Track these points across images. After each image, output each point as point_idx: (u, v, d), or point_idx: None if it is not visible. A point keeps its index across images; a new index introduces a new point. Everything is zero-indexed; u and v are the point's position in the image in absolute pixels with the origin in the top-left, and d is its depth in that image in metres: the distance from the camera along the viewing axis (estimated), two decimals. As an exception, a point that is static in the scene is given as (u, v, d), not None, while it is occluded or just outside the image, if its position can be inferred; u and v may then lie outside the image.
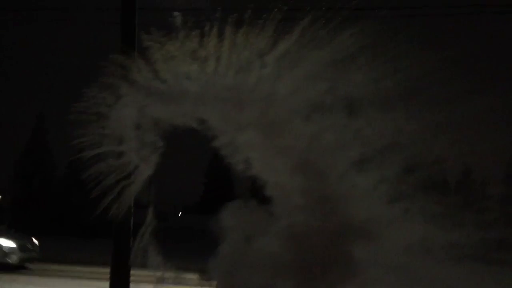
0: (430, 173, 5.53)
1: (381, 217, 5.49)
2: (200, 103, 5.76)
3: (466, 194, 6.18)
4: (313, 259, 5.48)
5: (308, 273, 5.48)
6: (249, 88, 5.65)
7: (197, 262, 7.24)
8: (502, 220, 5.33)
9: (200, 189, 42.80)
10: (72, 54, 58.39)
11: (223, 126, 5.83)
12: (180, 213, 42.97)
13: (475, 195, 6.16)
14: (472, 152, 5.52)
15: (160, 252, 6.09)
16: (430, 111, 5.39)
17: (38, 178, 34.66)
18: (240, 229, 5.81)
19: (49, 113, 44.26)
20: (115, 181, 6.00)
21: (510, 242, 5.17)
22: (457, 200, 5.48)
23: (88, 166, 5.88)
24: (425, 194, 5.33)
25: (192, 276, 7.13)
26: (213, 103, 5.72)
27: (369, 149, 5.50)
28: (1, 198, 23.48)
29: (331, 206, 5.50)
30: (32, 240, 15.50)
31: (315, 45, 5.52)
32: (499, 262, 5.24)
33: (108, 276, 8.43)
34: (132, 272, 8.28)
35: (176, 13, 5.79)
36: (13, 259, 14.49)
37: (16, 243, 14.73)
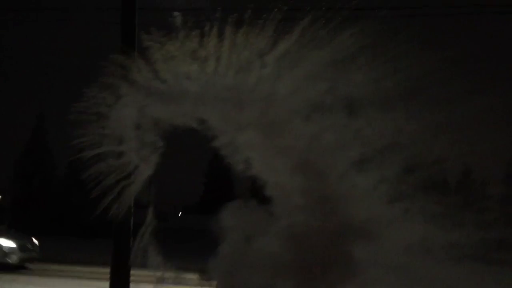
0: (430, 173, 5.53)
1: (381, 217, 5.49)
2: (200, 103, 5.76)
3: (466, 194, 6.17)
4: (313, 259, 5.48)
5: (308, 273, 5.48)
6: (249, 88, 5.64)
7: (197, 262, 7.24)
8: (502, 220, 5.33)
9: (200, 189, 42.90)
10: (72, 54, 58.44)
11: (223, 126, 5.83)
12: (180, 213, 43.02)
13: (475, 195, 6.16)
14: (472, 152, 5.51)
15: (160, 252, 6.09)
16: (430, 111, 5.39)
17: (38, 178, 34.66)
18: (240, 229, 5.81)
19: (49, 113, 44.38)
20: (115, 181, 6.00)
21: (510, 242, 5.17)
22: (457, 200, 5.47)
23: (88, 166, 5.88)
24: (425, 194, 5.32)
25: (192, 276, 7.13)
26: (213, 103, 5.72)
27: (369, 149, 5.50)
28: (1, 198, 23.47)
29: (331, 206, 5.50)
30: (32, 240, 15.51)
31: (315, 45, 5.52)
32: (499, 262, 5.24)
33: (108, 276, 8.44)
34: (132, 272, 8.28)
35: (176, 13, 5.79)
36: (13, 259, 14.50)
37: (16, 243, 14.74)
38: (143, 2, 9.25)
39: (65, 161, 33.34)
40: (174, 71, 5.79)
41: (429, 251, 5.37)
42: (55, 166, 35.88)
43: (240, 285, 5.68)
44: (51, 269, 14.81)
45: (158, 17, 9.05)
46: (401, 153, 5.45)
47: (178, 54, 5.74)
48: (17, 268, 14.43)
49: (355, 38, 5.37)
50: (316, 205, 5.54)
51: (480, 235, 5.11)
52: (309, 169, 5.57)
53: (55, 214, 31.49)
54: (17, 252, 14.62)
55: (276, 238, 5.64)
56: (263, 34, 5.58)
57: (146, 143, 5.95)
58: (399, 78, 5.31)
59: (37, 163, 34.43)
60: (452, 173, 6.38)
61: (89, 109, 5.86)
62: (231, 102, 5.67)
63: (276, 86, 5.62)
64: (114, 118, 5.86)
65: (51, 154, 35.55)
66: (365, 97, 5.46)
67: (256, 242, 5.72)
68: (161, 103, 5.82)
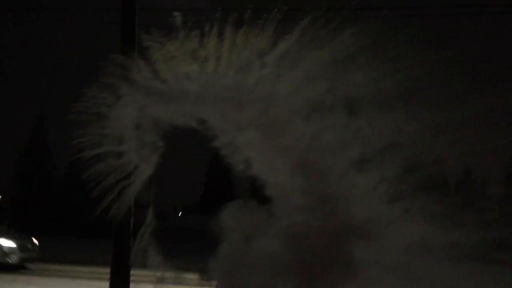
0: (430, 173, 5.53)
1: (381, 217, 5.49)
2: (200, 103, 5.76)
3: (466, 194, 6.17)
4: (313, 259, 5.48)
5: (308, 273, 5.48)
6: (249, 88, 5.65)
7: (197, 262, 7.24)
8: (502, 220, 5.33)
9: (200, 189, 42.89)
10: (72, 54, 58.45)
11: (223, 126, 5.83)
12: (180, 213, 43.02)
13: (475, 195, 6.15)
14: (472, 152, 5.52)
15: (160, 252, 6.09)
16: (430, 111, 5.39)
17: (38, 178, 34.67)
18: (240, 229, 5.81)
19: (49, 113, 44.36)
20: (115, 181, 6.00)
21: (510, 242, 5.17)
22: (457, 200, 5.48)
23: (88, 166, 5.88)
24: (425, 194, 5.33)
25: (192, 276, 7.13)
26: (213, 103, 5.72)
27: (369, 149, 5.50)
28: (1, 198, 23.47)
29: (331, 206, 5.50)
30: (32, 240, 15.51)
31: (315, 45, 5.52)
32: (499, 262, 5.24)
33: (108, 276, 8.43)
34: (132, 272, 8.28)
35: (176, 13, 5.79)
36: (13, 259, 14.49)
37: (16, 243, 14.74)
38: (143, 2, 9.25)
39: (65, 161, 33.41)
40: (174, 71, 5.80)
41: (429, 251, 5.38)
42: (55, 166, 35.93)
43: (240, 285, 5.68)
44: (51, 269, 14.80)
45: (158, 17, 9.05)
46: (401, 153, 5.45)
47: (178, 54, 5.74)
48: (17, 268, 14.43)
49: (355, 38, 5.37)
50: (316, 205, 5.54)
51: (480, 235, 5.11)
52: (309, 169, 5.57)
53: (55, 214, 31.49)
54: (17, 252, 14.62)
55: (276, 238, 5.64)
56: (263, 34, 5.58)
57: (146, 143, 5.95)
58: (399, 78, 5.31)
59: (37, 163, 34.44)
60: (452, 173, 6.39)
61: (89, 109, 5.86)
62: (231, 102, 5.67)
63: (276, 86, 5.62)
64: (114, 118, 5.86)
65: (51, 154, 35.60)
66: (365, 97, 5.46)
67: (256, 242, 5.73)
68: (161, 103, 5.82)
